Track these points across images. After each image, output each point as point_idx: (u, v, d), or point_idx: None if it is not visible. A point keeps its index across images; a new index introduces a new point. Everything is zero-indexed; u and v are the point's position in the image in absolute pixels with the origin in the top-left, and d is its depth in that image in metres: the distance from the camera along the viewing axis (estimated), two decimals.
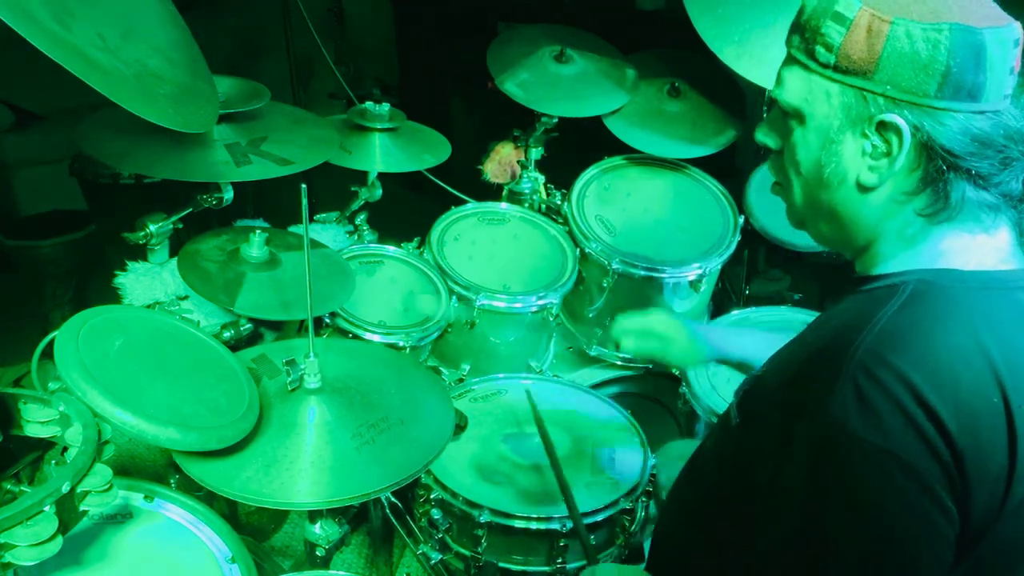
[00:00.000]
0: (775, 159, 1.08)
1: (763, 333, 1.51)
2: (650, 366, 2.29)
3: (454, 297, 2.14)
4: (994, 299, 0.92)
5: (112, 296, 1.87)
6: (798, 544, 0.90)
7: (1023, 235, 0.95)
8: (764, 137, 1.08)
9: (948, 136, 0.89)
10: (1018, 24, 0.90)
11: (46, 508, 1.01)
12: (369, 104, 2.28)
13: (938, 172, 0.91)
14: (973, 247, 0.95)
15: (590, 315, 2.37)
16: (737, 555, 1.02)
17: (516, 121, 2.58)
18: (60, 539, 1.00)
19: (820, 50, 0.95)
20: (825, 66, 0.95)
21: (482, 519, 1.64)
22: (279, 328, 1.94)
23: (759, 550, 0.95)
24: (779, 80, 1.02)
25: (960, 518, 0.85)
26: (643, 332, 1.55)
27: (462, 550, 1.70)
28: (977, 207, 0.93)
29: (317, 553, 1.47)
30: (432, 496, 1.70)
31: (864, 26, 0.90)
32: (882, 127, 0.92)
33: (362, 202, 2.32)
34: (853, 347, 0.88)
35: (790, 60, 1.01)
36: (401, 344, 1.97)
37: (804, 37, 0.97)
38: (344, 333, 1.94)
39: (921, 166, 0.93)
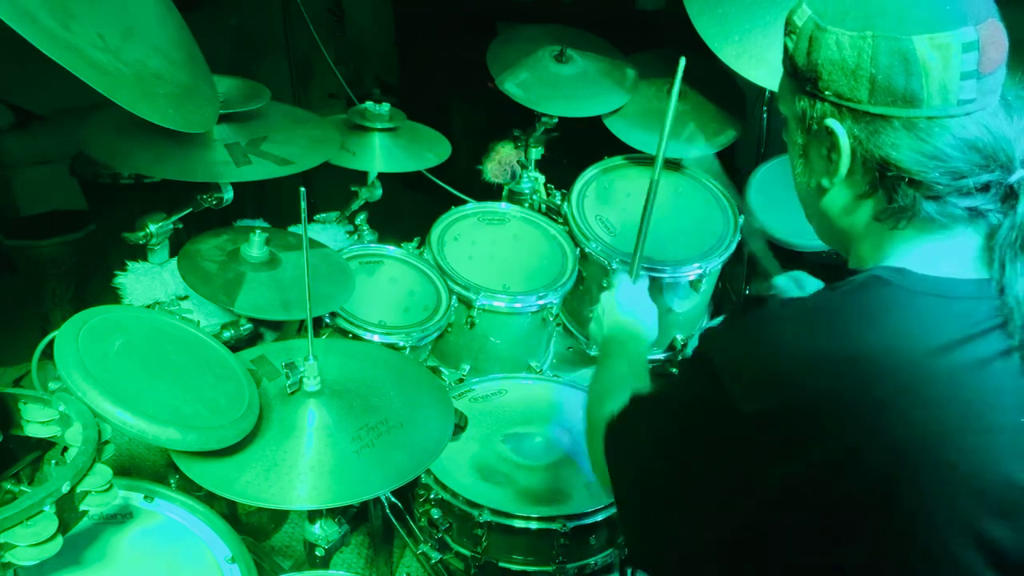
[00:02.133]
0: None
1: None
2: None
3: (454, 297, 2.14)
4: (933, 305, 0.89)
5: (112, 296, 1.87)
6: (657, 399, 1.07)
7: (995, 244, 0.91)
8: (785, 136, 1.10)
9: (887, 143, 0.90)
10: (974, 27, 0.87)
11: (46, 508, 1.01)
12: (369, 104, 2.28)
13: (879, 178, 0.92)
14: (934, 253, 0.93)
15: (590, 315, 2.37)
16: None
17: (516, 121, 2.58)
18: (60, 539, 1.00)
19: (784, 57, 0.99)
20: (787, 72, 0.99)
21: (482, 519, 1.64)
22: (279, 328, 1.94)
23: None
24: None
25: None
26: (601, 318, 1.66)
27: (462, 550, 1.70)
28: (937, 214, 0.91)
29: (317, 553, 1.47)
30: (432, 496, 1.70)
31: (807, 35, 0.94)
32: (828, 132, 0.94)
33: (362, 202, 2.32)
34: (765, 301, 0.95)
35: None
36: (401, 344, 1.97)
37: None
38: (344, 333, 1.94)
39: (859, 171, 0.94)
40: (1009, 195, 0.90)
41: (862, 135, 0.91)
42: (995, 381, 0.85)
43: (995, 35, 0.89)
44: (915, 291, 0.89)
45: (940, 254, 0.93)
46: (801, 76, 0.96)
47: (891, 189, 0.92)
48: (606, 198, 2.46)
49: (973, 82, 0.88)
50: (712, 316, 2.52)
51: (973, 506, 0.83)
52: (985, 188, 0.89)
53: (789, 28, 0.97)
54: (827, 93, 0.93)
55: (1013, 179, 0.89)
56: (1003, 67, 0.91)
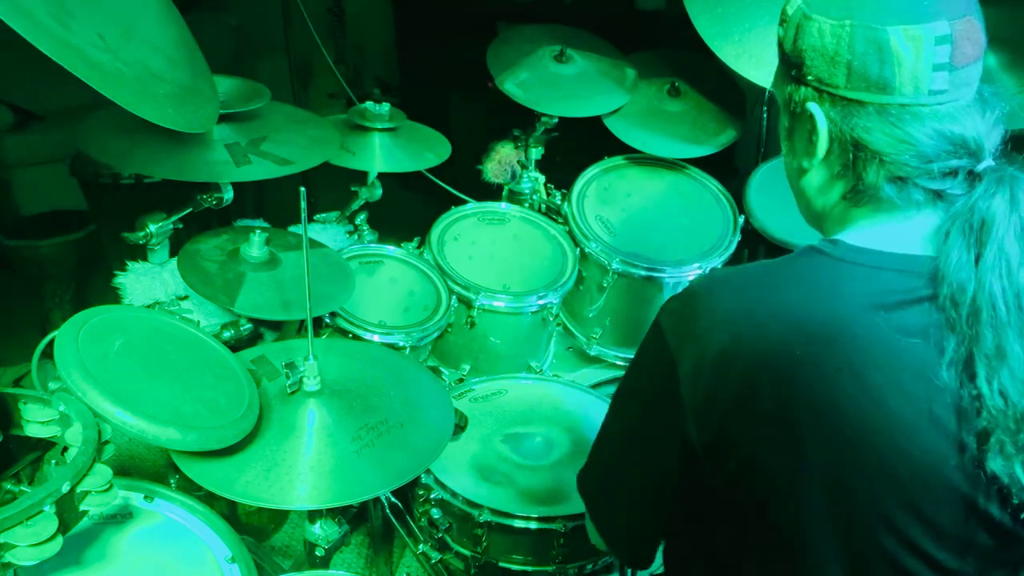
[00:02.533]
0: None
1: None
2: None
3: (454, 297, 2.14)
4: (855, 272, 0.95)
5: (112, 296, 1.87)
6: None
7: (949, 225, 0.94)
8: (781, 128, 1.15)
9: (860, 126, 0.95)
10: (949, 22, 0.91)
11: (46, 508, 1.01)
12: (369, 104, 2.28)
13: (852, 160, 0.97)
14: (884, 232, 0.98)
15: (590, 315, 2.37)
16: None
17: (516, 121, 2.58)
18: (60, 539, 1.00)
19: (777, 45, 1.05)
20: (780, 60, 1.05)
21: (482, 519, 1.64)
22: (279, 328, 1.94)
23: None
24: None
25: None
26: None
27: (462, 550, 1.70)
28: (898, 196, 0.96)
29: (317, 553, 1.47)
30: (432, 496, 1.70)
31: (795, 23, 0.99)
32: (808, 116, 0.99)
33: (362, 202, 2.32)
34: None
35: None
36: (401, 344, 1.97)
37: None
38: (344, 333, 1.94)
39: (836, 152, 0.99)
40: (974, 181, 0.93)
41: (838, 118, 0.97)
42: (909, 350, 0.89)
43: (971, 31, 0.93)
44: (844, 260, 0.96)
45: (890, 233, 0.97)
46: (789, 62, 1.01)
47: (861, 170, 0.97)
48: (606, 198, 2.46)
49: (945, 74, 0.92)
50: None
51: (892, 467, 0.89)
52: (953, 173, 0.94)
53: (782, 17, 1.02)
54: (809, 78, 0.98)
55: (981, 167, 0.92)
56: (979, 62, 0.95)
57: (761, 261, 1.06)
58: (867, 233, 0.99)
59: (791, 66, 1.01)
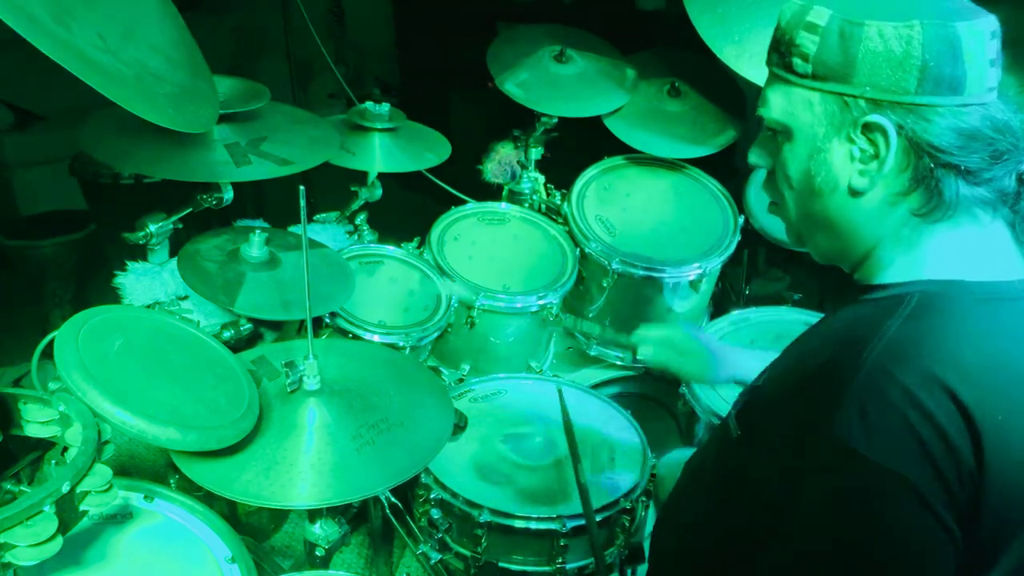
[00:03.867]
0: (769, 179, 1.09)
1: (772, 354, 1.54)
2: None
3: (454, 297, 2.14)
4: (1002, 310, 0.91)
5: (112, 296, 1.87)
6: (807, 563, 0.90)
7: (1018, 232, 0.95)
8: (756, 158, 1.09)
9: (934, 132, 0.90)
10: (993, 16, 0.90)
11: (46, 508, 1.01)
12: (369, 104, 2.28)
13: (928, 169, 0.92)
14: (973, 250, 0.94)
15: (590, 315, 2.37)
16: (742, 569, 1.02)
17: (516, 121, 2.58)
18: (60, 539, 1.00)
19: (797, 62, 0.96)
20: (804, 76, 0.96)
21: (482, 519, 1.64)
22: (279, 328, 1.94)
23: (768, 565, 0.94)
24: (763, 100, 1.03)
25: (964, 537, 0.85)
26: (663, 343, 1.58)
27: (462, 550, 1.70)
28: (972, 204, 0.93)
29: (317, 553, 1.47)
30: (432, 496, 1.70)
31: (836, 31, 0.92)
32: (867, 129, 0.93)
33: (362, 202, 2.32)
34: (859, 361, 0.86)
35: (771, 78, 1.02)
36: (401, 344, 1.97)
37: (780, 52, 0.99)
38: (344, 333, 1.94)
39: (910, 164, 0.93)
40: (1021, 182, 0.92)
41: (909, 126, 0.91)
42: None
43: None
44: (977, 299, 0.90)
45: (981, 251, 0.94)
46: (828, 76, 0.94)
47: (937, 179, 0.92)
48: (606, 198, 2.46)
49: (995, 70, 0.91)
50: (712, 317, 2.52)
51: None
52: (1011, 173, 0.92)
53: (807, 29, 0.95)
54: (865, 89, 0.91)
55: None
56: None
57: (911, 330, 0.89)
58: (963, 259, 0.94)
59: (830, 80, 0.94)
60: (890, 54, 0.89)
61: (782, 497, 0.91)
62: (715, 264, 2.30)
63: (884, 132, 0.92)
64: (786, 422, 0.95)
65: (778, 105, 1.01)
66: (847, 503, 0.85)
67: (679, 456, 1.85)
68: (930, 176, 0.92)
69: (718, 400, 2.05)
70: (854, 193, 0.97)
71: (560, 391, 1.86)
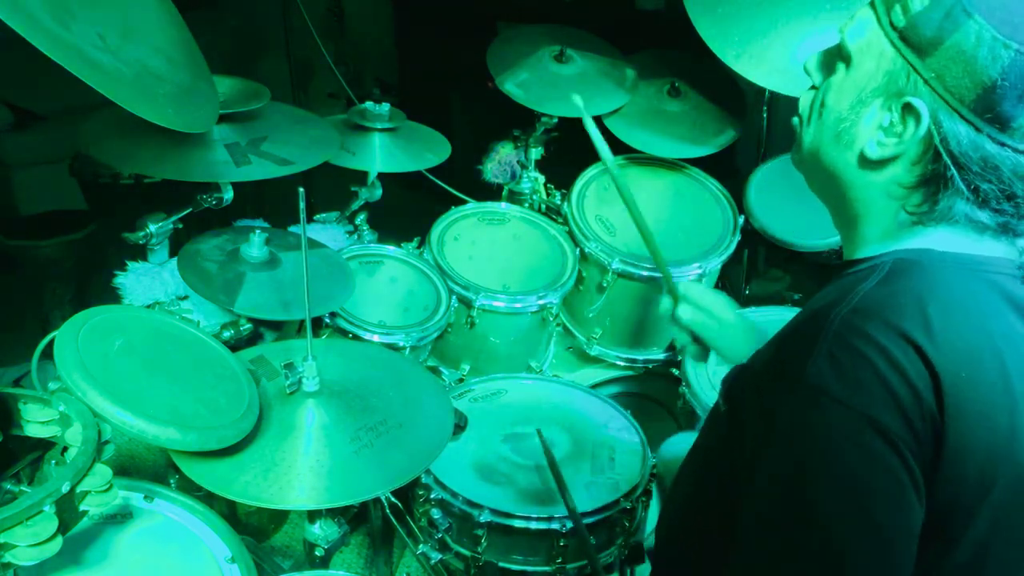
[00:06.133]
0: (809, 92, 1.06)
1: None
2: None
3: (454, 297, 2.14)
4: (973, 279, 0.92)
5: (112, 296, 1.87)
6: (780, 509, 0.89)
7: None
8: (813, 68, 1.05)
9: (962, 143, 0.88)
10: None
11: (46, 508, 1.01)
12: (369, 104, 2.28)
13: (937, 175, 0.91)
14: (954, 243, 0.95)
15: (590, 315, 2.37)
16: (726, 530, 1.02)
17: (516, 121, 2.58)
18: (60, 539, 1.00)
19: (897, 9, 0.91)
20: (893, 27, 0.91)
21: (482, 519, 1.64)
22: (279, 328, 1.94)
23: (743, 521, 0.93)
24: (853, 17, 0.99)
25: (927, 494, 0.86)
26: (704, 308, 1.47)
27: (462, 550, 1.70)
28: (967, 222, 0.93)
29: (316, 553, 1.47)
30: (432, 496, 1.70)
31: (946, 7, 0.87)
32: (907, 109, 0.91)
33: (362, 202, 2.32)
34: (832, 316, 0.88)
35: (870, 4, 0.97)
36: (401, 344, 1.97)
37: None
38: (344, 333, 1.94)
39: (924, 162, 0.92)
40: None
41: (944, 128, 0.88)
42: None
43: None
44: (948, 265, 0.92)
45: (961, 244, 0.95)
46: (911, 43, 0.89)
47: (940, 188, 0.91)
48: (606, 198, 2.46)
49: None
50: None
51: None
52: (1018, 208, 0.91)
53: None
54: (928, 73, 0.88)
55: None
56: None
57: (882, 291, 0.92)
58: (952, 245, 0.94)
59: (909, 45, 0.89)
60: (972, 60, 0.85)
61: (756, 451, 0.92)
62: (715, 264, 2.30)
63: (918, 119, 0.89)
64: (762, 384, 0.96)
65: (858, 33, 0.96)
66: (816, 438, 0.85)
67: (680, 440, 1.85)
68: (936, 181, 0.91)
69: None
70: (864, 161, 0.96)
71: (540, 432, 1.80)
